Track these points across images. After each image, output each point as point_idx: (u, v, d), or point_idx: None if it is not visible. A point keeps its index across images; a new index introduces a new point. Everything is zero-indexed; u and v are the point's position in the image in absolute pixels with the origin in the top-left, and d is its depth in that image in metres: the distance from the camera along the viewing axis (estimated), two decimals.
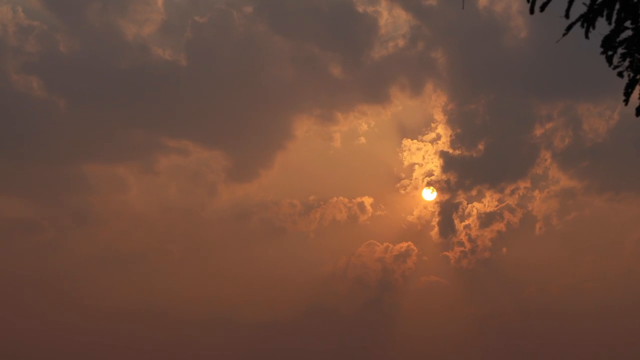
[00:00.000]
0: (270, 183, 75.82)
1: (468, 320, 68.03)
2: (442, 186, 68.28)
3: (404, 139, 69.56)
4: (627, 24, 9.82)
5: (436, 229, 68.39)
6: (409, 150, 68.76)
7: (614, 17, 9.84)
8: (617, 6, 9.85)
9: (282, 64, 74.26)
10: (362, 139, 72.65)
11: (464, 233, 67.99)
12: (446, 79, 70.67)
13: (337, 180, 76.58)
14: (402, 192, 69.37)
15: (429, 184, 67.53)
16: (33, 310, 67.30)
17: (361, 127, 72.35)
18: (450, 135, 68.28)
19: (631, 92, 9.77)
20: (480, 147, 68.94)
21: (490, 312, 69.62)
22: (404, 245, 68.19)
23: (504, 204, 68.33)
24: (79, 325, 66.02)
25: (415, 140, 68.83)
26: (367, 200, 69.56)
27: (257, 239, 75.95)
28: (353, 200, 69.65)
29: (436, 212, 68.22)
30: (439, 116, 69.22)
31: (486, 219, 68.44)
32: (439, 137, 68.55)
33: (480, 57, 70.38)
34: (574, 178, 71.17)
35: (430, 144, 68.43)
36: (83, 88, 74.63)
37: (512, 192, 69.15)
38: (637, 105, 9.79)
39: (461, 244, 67.91)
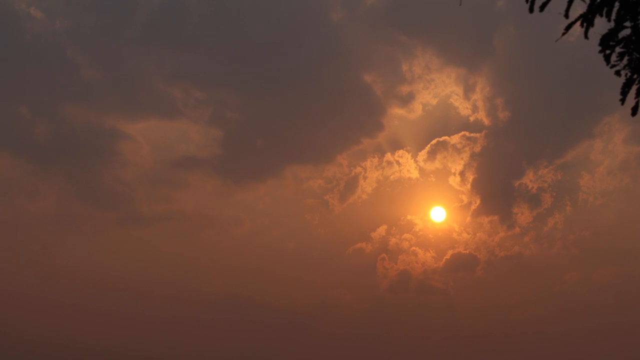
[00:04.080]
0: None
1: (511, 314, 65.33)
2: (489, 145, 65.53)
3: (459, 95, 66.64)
4: (627, 23, 9.82)
5: (478, 202, 64.95)
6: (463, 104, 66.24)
7: (613, 15, 9.86)
8: (617, 5, 9.86)
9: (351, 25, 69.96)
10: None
11: (513, 211, 64.25)
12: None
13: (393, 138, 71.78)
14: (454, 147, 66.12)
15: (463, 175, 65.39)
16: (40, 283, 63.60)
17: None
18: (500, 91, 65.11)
19: (628, 92, 9.78)
20: (541, 105, 64.64)
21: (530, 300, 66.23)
22: (442, 224, 65.45)
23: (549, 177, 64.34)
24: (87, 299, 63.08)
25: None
26: (406, 156, 66.43)
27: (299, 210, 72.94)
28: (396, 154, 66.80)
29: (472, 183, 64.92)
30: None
31: (536, 195, 63.79)
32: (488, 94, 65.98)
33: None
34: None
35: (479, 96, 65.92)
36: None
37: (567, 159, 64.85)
38: (633, 105, 9.80)
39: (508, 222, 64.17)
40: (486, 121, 65.29)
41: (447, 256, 64.48)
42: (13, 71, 67.45)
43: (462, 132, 65.08)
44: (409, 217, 66.70)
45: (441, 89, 67.66)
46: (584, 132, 65.56)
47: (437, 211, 67.97)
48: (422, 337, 63.36)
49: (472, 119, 66.17)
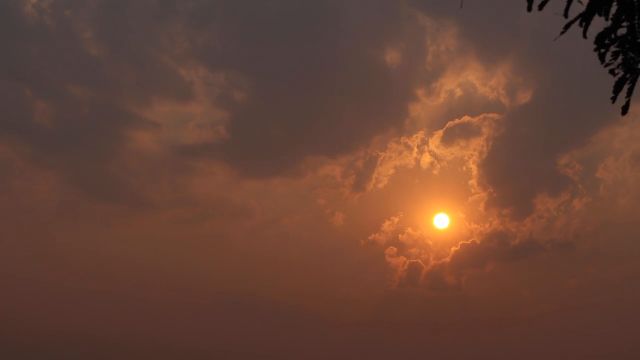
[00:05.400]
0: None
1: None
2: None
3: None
4: (623, 22, 9.75)
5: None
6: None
7: (611, 14, 9.82)
8: (615, 5, 9.82)
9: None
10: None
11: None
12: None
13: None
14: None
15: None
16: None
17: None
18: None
19: (619, 91, 9.63)
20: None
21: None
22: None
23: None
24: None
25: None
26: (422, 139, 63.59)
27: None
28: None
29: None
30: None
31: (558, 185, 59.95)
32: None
33: None
34: None
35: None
36: None
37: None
38: (623, 104, 9.62)
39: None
40: (508, 105, 63.17)
41: (459, 247, 62.32)
42: (13, 48, 62.44)
43: (482, 115, 63.08)
44: (423, 206, 64.73)
45: (463, 71, 66.12)
46: (609, 118, 62.57)
47: (451, 203, 66.92)
48: (432, 331, 61.08)
49: (494, 102, 64.28)
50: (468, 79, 65.87)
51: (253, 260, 67.78)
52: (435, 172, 64.35)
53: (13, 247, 62.97)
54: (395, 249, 63.53)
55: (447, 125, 63.85)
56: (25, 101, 65.12)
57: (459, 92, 66.62)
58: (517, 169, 63.38)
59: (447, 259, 62.10)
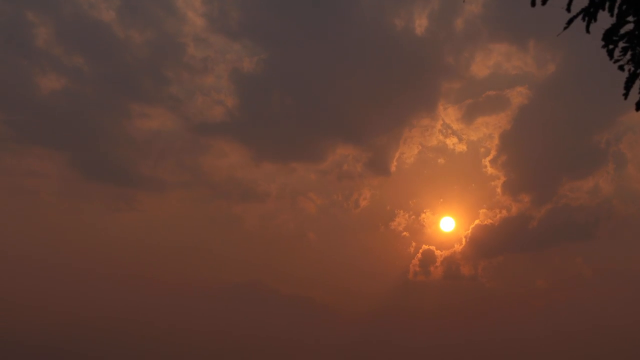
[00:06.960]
0: None
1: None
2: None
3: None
4: (629, 17, 9.69)
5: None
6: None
7: (616, 10, 9.72)
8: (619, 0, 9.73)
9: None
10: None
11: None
12: None
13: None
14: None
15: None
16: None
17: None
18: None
19: (631, 86, 9.61)
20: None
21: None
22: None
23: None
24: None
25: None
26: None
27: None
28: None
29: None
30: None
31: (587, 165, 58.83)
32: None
33: None
34: None
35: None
36: None
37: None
38: (637, 99, 9.63)
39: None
40: (537, 79, 61.77)
41: (476, 231, 60.62)
42: (13, 15, 56.99)
43: (512, 88, 61.11)
44: (443, 189, 63.36)
45: (491, 44, 64.35)
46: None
47: (468, 190, 64.84)
48: (445, 318, 60.66)
49: (522, 77, 63.04)
50: (499, 53, 64.44)
51: (267, 245, 66.30)
52: (458, 150, 62.82)
53: (16, 230, 60.48)
54: (411, 235, 61.83)
55: (473, 100, 62.52)
56: (25, 74, 59.35)
57: (488, 65, 64.83)
58: (541, 149, 61.61)
59: (464, 245, 60.55)
